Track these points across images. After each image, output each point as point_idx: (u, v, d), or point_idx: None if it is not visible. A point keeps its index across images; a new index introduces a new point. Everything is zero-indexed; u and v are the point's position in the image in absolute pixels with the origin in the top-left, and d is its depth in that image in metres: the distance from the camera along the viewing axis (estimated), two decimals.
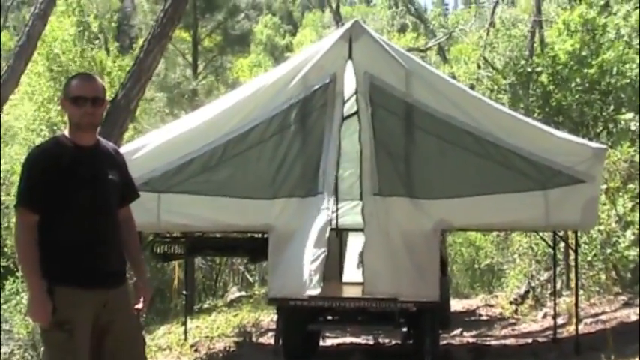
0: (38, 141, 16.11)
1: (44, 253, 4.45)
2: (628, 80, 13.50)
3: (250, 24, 33.04)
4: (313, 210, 8.49)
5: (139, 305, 4.80)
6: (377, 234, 8.43)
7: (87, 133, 4.63)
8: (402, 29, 37.92)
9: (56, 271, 4.44)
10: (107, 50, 23.59)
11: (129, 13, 32.05)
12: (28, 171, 4.54)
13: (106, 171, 4.67)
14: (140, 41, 18.34)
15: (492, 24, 24.94)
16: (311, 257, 8.32)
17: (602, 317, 11.24)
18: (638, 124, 13.88)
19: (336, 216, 11.27)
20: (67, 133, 4.67)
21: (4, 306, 15.23)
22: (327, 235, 8.42)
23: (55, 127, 19.09)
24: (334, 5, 31.50)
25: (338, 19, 29.40)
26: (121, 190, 4.78)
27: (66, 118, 4.79)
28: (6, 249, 19.14)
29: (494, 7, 26.58)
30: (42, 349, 4.94)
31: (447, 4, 76.86)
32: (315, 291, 8.31)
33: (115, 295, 4.62)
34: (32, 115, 21.03)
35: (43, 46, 21.01)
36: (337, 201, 11.25)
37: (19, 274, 15.70)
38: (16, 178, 19.04)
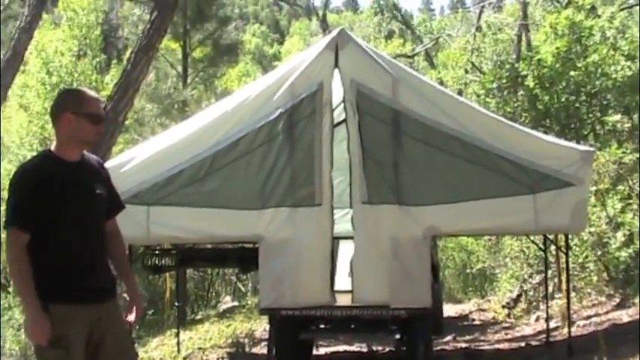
0: (29, 155, 16.04)
1: (36, 271, 4.43)
2: (613, 82, 13.55)
3: (238, 33, 32.99)
4: (308, 221, 8.48)
5: (131, 318, 4.79)
6: (366, 242, 8.42)
7: (81, 149, 4.64)
8: (390, 35, 37.97)
9: (49, 289, 4.41)
10: (97, 65, 23.53)
11: (115, 25, 32.00)
12: (17, 189, 4.50)
13: (93, 185, 4.66)
14: (128, 53, 18.30)
15: (479, 28, 24.99)
16: (321, 269, 8.41)
17: (595, 319, 11.26)
18: (626, 125, 13.94)
19: None
20: (52, 147, 4.65)
21: None
22: (331, 246, 8.53)
23: (48, 141, 19.00)
24: (321, 13, 31.55)
25: (325, 26, 29.45)
26: (107, 203, 4.78)
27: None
28: None
29: (481, 12, 26.66)
30: None
31: (433, 10, 77.21)
32: (332, 301, 8.47)
33: (107, 309, 4.62)
34: (24, 129, 20.94)
35: (37, 59, 21.00)
36: None
37: (10, 289, 15.65)
38: (5, 195, 18.95)
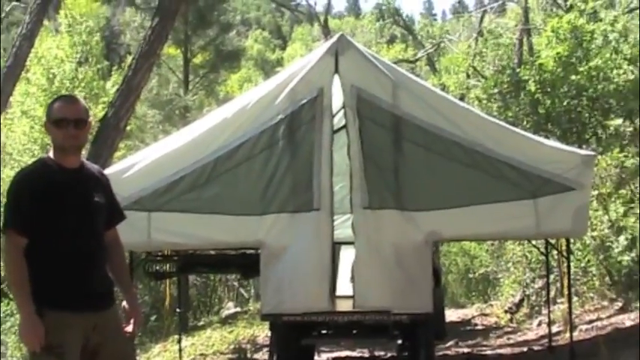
0: (30, 162, 16.02)
1: (32, 276, 4.42)
2: (615, 86, 13.54)
3: (240, 39, 33.07)
4: (306, 226, 8.45)
5: (129, 329, 4.78)
6: (367, 247, 8.40)
7: (71, 155, 4.62)
8: (391, 40, 38.02)
9: (45, 295, 4.41)
10: (99, 72, 23.52)
11: (116, 31, 32.06)
12: (16, 194, 4.50)
13: (91, 193, 4.66)
14: (129, 59, 18.33)
15: (481, 33, 24.97)
16: (319, 274, 8.32)
17: (598, 324, 11.24)
18: (628, 129, 13.92)
19: None
20: (51, 155, 4.66)
21: None
22: (330, 251, 8.44)
23: (49, 147, 19.06)
24: (322, 19, 31.55)
25: (327, 32, 29.43)
26: (107, 212, 4.77)
27: None
28: None
29: (482, 16, 26.72)
30: None
31: (435, 15, 77.29)
32: (329, 307, 8.38)
33: (104, 317, 4.61)
34: (26, 136, 20.95)
35: (38, 66, 21.00)
36: None
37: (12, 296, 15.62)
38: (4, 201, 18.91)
